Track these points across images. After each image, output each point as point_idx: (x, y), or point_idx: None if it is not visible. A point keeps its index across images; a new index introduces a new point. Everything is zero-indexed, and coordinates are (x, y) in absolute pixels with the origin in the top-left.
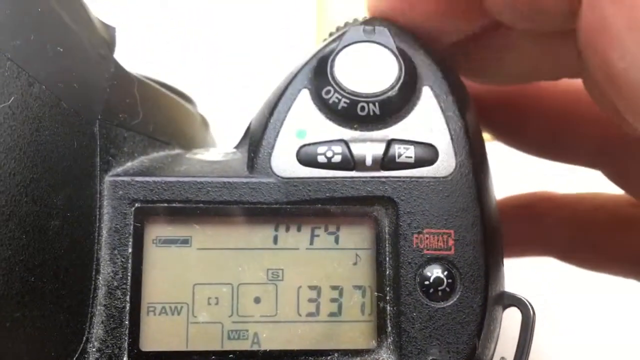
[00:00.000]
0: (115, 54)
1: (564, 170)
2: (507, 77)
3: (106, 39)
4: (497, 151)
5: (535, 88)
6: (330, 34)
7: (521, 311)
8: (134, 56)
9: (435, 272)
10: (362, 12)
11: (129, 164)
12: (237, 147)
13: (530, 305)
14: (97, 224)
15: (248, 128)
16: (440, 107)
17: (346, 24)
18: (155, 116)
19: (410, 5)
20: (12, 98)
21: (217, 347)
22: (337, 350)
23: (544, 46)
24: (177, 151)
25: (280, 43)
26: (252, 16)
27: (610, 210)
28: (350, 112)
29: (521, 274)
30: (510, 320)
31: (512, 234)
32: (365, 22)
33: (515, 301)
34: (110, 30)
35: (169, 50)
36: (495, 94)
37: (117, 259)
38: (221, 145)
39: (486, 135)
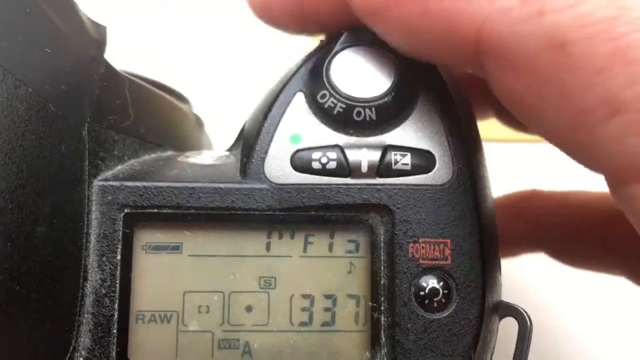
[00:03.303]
0: (106, 53)
1: (563, 175)
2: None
3: (96, 39)
4: (493, 153)
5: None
6: (327, 35)
7: (518, 321)
8: (127, 54)
9: (430, 282)
10: None
11: (119, 167)
12: (230, 149)
13: (527, 315)
14: (85, 230)
15: (242, 130)
16: (438, 113)
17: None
18: (147, 117)
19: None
20: None
21: (207, 356)
22: None
23: None
24: (168, 153)
25: (275, 40)
26: (246, 13)
27: (599, 204)
28: (346, 117)
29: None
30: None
31: (502, 232)
32: (362, 25)
33: (512, 311)
34: (100, 29)
35: (162, 48)
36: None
37: (106, 265)
38: (217, 145)
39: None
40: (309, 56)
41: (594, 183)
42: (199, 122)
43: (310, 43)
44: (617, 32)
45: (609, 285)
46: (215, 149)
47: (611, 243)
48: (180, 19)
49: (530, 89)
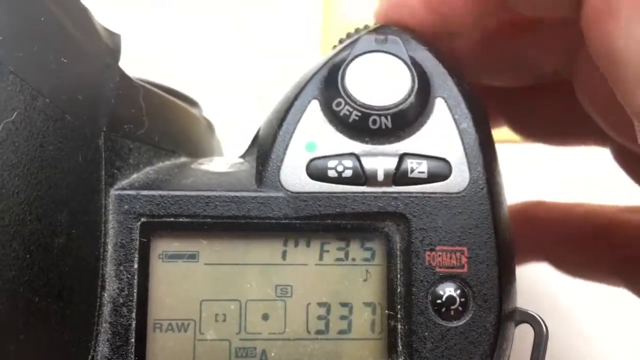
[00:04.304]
0: (120, 61)
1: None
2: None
3: (111, 47)
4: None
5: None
6: (340, 41)
7: (534, 328)
8: (138, 59)
9: (447, 290)
10: (369, 13)
11: (135, 176)
12: (243, 156)
13: (543, 322)
14: (103, 240)
15: (256, 137)
16: (454, 120)
17: (357, 31)
18: (161, 125)
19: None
20: (15, 113)
21: None
22: None
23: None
24: (182, 160)
25: (286, 43)
26: (257, 16)
27: (601, 216)
28: (361, 125)
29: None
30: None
31: None
32: (377, 31)
33: (527, 318)
34: (115, 37)
35: (174, 53)
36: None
37: (123, 275)
38: (227, 148)
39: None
40: (324, 62)
41: (594, 183)
42: (209, 126)
43: (319, 42)
44: None
45: (622, 291)
46: (223, 151)
47: (612, 255)
48: (180, 19)
49: (624, 34)
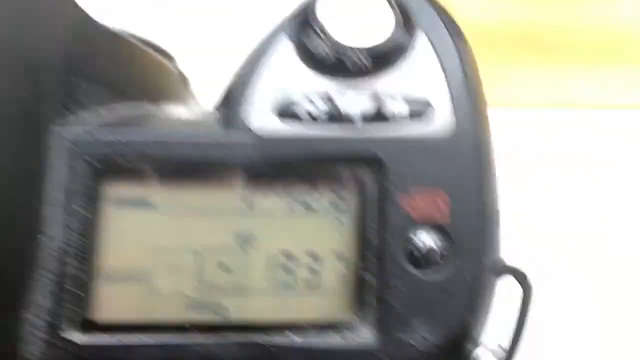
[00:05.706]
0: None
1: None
2: None
3: None
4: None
5: None
6: None
7: (518, 281)
8: (115, 14)
9: (425, 240)
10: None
11: (89, 118)
12: (215, 106)
13: (527, 276)
14: (50, 183)
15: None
16: (438, 58)
17: None
18: (122, 68)
19: None
20: None
21: (179, 318)
22: (313, 323)
23: None
24: (144, 106)
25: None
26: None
27: None
28: (337, 65)
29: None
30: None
31: None
32: None
33: (510, 271)
34: None
35: (151, 11)
36: None
37: (69, 221)
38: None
39: None
40: (300, 5)
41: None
42: (182, 79)
43: None
44: None
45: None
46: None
47: None
48: (181, 18)
49: None
